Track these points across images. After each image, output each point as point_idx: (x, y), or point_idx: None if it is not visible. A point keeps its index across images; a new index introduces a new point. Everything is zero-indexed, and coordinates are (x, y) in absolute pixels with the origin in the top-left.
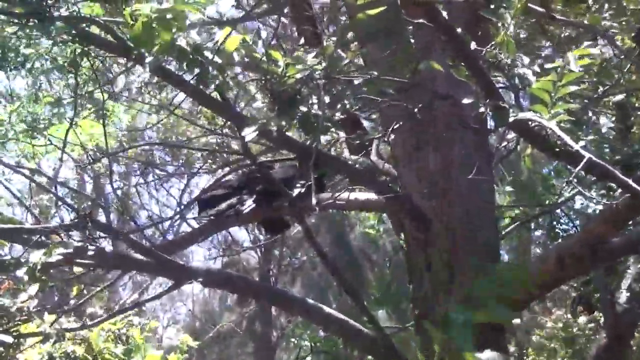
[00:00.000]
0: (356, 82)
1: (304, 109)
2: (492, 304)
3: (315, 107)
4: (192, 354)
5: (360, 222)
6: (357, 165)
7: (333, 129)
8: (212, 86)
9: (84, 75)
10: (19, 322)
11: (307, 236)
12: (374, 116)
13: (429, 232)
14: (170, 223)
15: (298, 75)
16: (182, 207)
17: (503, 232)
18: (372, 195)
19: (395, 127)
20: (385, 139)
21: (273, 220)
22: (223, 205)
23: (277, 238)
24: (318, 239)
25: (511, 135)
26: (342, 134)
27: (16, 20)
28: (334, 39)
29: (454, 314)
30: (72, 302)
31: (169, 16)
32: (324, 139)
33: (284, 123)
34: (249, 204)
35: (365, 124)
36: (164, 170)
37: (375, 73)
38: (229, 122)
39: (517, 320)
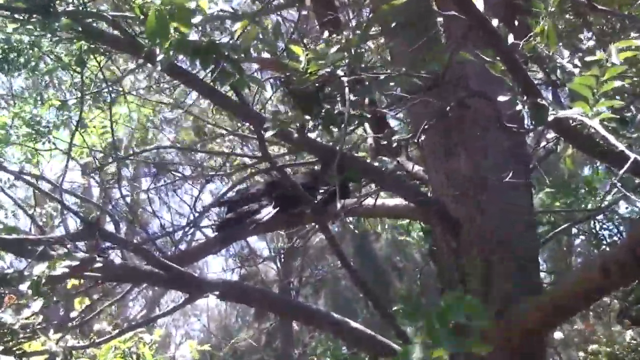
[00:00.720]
0: (382, 78)
1: (327, 106)
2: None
3: (339, 105)
4: None
5: (388, 230)
6: (384, 169)
7: (359, 127)
8: (228, 84)
9: (90, 74)
10: (23, 340)
11: (331, 245)
12: (401, 116)
13: (461, 240)
14: (183, 232)
15: (320, 72)
16: (196, 214)
17: (542, 240)
18: (400, 201)
19: (425, 126)
20: (415, 140)
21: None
22: (240, 214)
23: (297, 247)
24: (342, 248)
25: (550, 134)
26: (368, 132)
27: (19, 16)
28: (358, 32)
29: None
30: (78, 318)
31: (188, 4)
32: (348, 140)
33: (305, 122)
34: (268, 211)
35: (393, 124)
36: (178, 173)
37: (403, 69)
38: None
39: (559, 334)
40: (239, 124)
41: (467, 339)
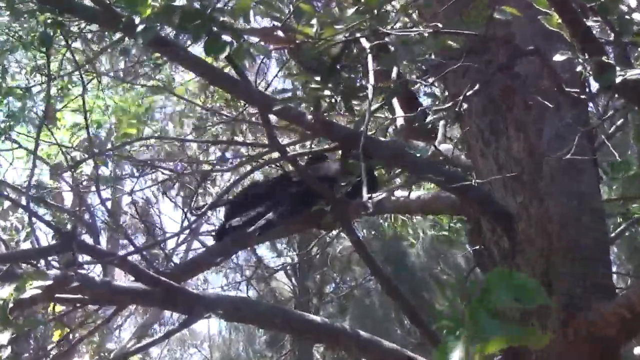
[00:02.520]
0: (412, 42)
1: (346, 78)
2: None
3: (361, 77)
4: None
5: (423, 231)
6: (418, 155)
7: (385, 105)
8: (224, 56)
9: (57, 54)
10: None
11: (357, 249)
12: (436, 90)
13: (515, 237)
14: (177, 241)
15: (337, 37)
16: (192, 219)
17: (613, 234)
18: (438, 193)
19: (465, 96)
20: (453, 117)
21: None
22: (246, 216)
23: (316, 255)
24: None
25: (619, 102)
26: (397, 111)
27: None
28: None
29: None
30: (55, 349)
31: None
32: (372, 122)
33: (321, 99)
34: (280, 211)
35: (426, 102)
36: (168, 171)
37: (439, 25)
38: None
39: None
40: (239, 106)
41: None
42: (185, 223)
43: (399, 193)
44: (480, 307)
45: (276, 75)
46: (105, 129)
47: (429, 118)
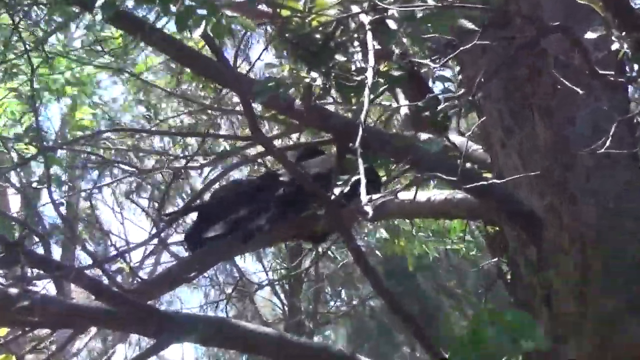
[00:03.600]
0: (419, 16)
1: (341, 59)
2: None
3: (358, 58)
4: None
5: (435, 236)
6: (427, 149)
7: (388, 90)
8: (198, 33)
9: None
10: None
11: (357, 261)
12: (449, 73)
13: (544, 244)
14: (144, 253)
15: (330, 12)
16: (162, 226)
17: None
18: (452, 194)
19: (483, 83)
20: (470, 103)
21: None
22: (225, 225)
23: (308, 269)
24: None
25: None
26: (402, 99)
27: None
28: None
29: None
30: None
31: None
32: (373, 110)
33: (311, 83)
34: (266, 216)
35: (436, 88)
36: (128, 167)
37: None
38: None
39: None
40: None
41: None
42: (154, 231)
43: (406, 194)
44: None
45: (260, 57)
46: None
47: (441, 106)
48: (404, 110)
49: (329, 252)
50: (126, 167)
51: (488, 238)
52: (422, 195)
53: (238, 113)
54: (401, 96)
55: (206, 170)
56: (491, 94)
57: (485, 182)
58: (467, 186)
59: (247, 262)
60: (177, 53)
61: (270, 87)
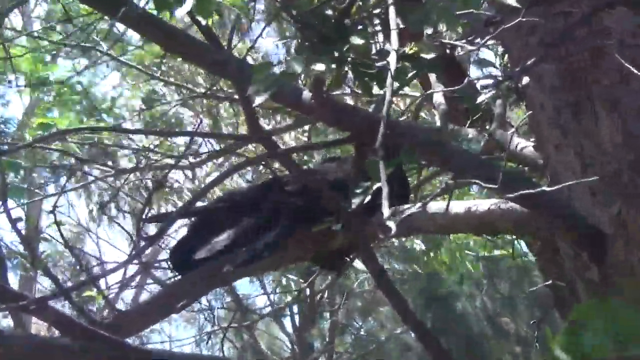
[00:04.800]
0: None
1: (358, 41)
2: None
3: (379, 40)
4: None
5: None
6: (465, 148)
7: (416, 77)
8: (182, 12)
9: None
10: None
11: (379, 284)
12: (491, 56)
13: (608, 266)
14: (123, 278)
15: None
16: (142, 245)
17: None
18: (498, 203)
19: (530, 67)
20: (516, 93)
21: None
22: (221, 243)
23: (321, 295)
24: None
25: None
26: (434, 84)
27: None
28: None
29: None
30: None
31: None
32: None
33: (322, 70)
34: (271, 237)
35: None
36: (103, 168)
37: None
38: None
39: None
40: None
41: None
42: (134, 250)
43: (438, 205)
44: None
45: (260, 36)
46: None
47: (481, 96)
48: (440, 102)
49: (349, 274)
50: (102, 168)
51: (539, 256)
52: (459, 206)
53: (235, 101)
54: (435, 81)
55: (199, 175)
56: (543, 82)
57: (535, 190)
58: (514, 194)
59: (247, 286)
60: (162, 35)
61: (272, 82)
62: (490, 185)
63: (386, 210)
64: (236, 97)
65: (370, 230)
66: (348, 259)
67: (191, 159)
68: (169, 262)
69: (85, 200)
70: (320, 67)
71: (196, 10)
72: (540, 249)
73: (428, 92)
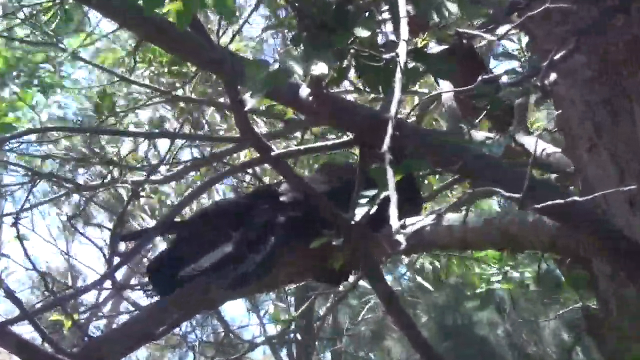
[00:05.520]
0: None
1: (363, 33)
2: None
3: (386, 29)
4: None
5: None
6: (485, 152)
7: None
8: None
9: None
10: None
11: (388, 308)
12: (513, 47)
13: None
14: (97, 299)
15: None
16: (117, 262)
17: None
18: (522, 215)
19: (559, 61)
20: (542, 89)
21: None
22: (207, 261)
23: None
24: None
25: None
26: (444, 84)
27: None
28: None
29: None
30: None
31: None
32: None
33: (324, 67)
34: (264, 256)
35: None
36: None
37: None
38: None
39: None
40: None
41: None
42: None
43: (454, 217)
44: None
45: (247, 20)
46: None
47: (502, 93)
48: (446, 100)
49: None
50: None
51: (568, 275)
52: (478, 218)
53: (220, 105)
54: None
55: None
56: (574, 76)
57: (564, 200)
58: (541, 205)
59: (235, 309)
60: (144, 26)
61: (266, 82)
62: (514, 195)
63: (395, 222)
64: (220, 100)
65: (377, 245)
66: (351, 275)
67: (165, 171)
68: (149, 283)
69: (54, 211)
70: (321, 67)
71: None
72: (570, 266)
73: (435, 92)
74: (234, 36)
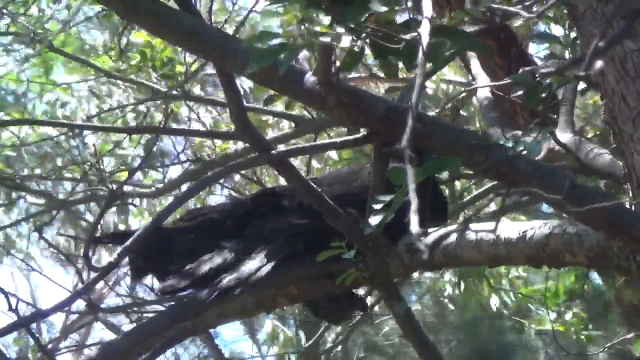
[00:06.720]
0: None
1: (380, 7)
2: None
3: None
4: None
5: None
6: (522, 152)
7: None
8: None
9: None
10: None
11: (406, 331)
12: (556, 30)
13: None
14: (65, 320)
15: None
16: (92, 278)
17: None
18: (562, 226)
19: (606, 46)
20: (584, 80)
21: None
22: (199, 271)
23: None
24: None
25: None
26: (476, 68)
27: None
28: None
29: None
30: None
31: None
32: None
33: (332, 45)
34: (260, 262)
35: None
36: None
37: None
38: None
39: None
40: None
41: None
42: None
43: (483, 226)
44: None
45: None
46: None
47: (542, 85)
48: (481, 94)
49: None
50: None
51: (619, 291)
52: (511, 229)
53: (213, 102)
54: (478, 68)
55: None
56: (624, 65)
57: (611, 203)
58: (582, 209)
59: (231, 331)
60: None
61: (266, 53)
62: (553, 196)
63: (415, 227)
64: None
65: (394, 259)
66: (361, 301)
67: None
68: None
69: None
70: (346, 41)
71: None
72: (621, 284)
73: (473, 87)
74: (239, 27)
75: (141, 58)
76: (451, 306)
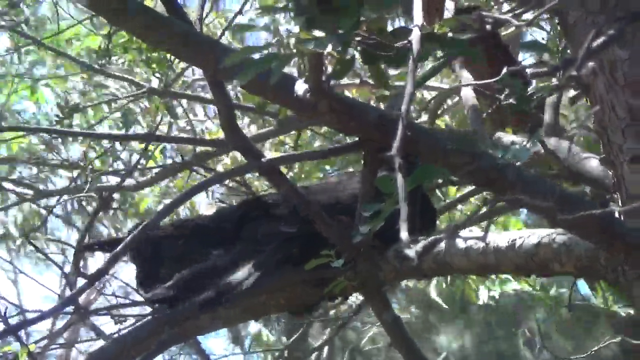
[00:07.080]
0: None
1: (370, 13)
2: None
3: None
4: None
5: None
6: (509, 158)
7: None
8: None
9: None
10: None
11: (394, 340)
12: (542, 37)
13: None
14: (50, 328)
15: None
16: (81, 285)
17: None
18: (551, 235)
19: (596, 52)
20: (578, 86)
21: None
22: (185, 278)
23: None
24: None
25: None
26: (464, 75)
27: None
28: None
29: None
30: None
31: None
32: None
33: (320, 52)
34: (247, 272)
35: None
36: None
37: None
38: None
39: None
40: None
41: None
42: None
43: (472, 233)
44: None
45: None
46: None
47: (531, 88)
48: (468, 95)
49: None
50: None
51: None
52: (500, 238)
53: (204, 101)
54: (465, 73)
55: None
56: (614, 73)
57: (600, 211)
58: (572, 218)
59: (217, 341)
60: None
61: (256, 63)
62: (542, 204)
63: (405, 235)
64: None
65: (383, 265)
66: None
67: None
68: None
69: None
70: (316, 44)
71: None
72: (609, 293)
73: (455, 86)
74: (225, 29)
75: (127, 40)
76: (439, 300)
